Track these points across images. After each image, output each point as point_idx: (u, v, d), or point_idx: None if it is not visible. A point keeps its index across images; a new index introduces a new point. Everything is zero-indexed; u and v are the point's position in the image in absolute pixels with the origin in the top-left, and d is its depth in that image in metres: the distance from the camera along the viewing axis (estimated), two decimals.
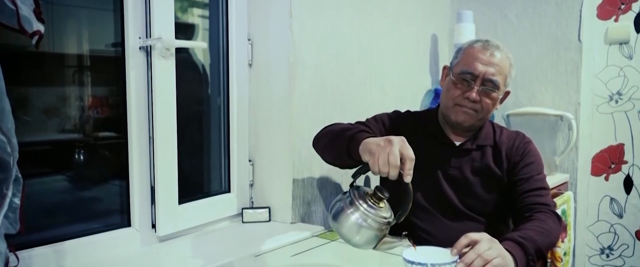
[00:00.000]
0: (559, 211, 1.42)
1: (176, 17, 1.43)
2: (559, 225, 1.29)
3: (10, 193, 0.82)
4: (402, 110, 1.55)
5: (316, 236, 1.49)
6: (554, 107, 2.21)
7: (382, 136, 1.08)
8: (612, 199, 2.25)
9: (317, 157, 1.49)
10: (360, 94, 1.82)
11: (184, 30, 1.54)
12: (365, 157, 1.04)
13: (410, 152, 0.99)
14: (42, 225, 1.21)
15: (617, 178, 2.23)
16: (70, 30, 1.28)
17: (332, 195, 1.69)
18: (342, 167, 1.33)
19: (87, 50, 1.31)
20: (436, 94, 2.16)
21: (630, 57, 2.17)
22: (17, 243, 0.97)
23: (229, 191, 1.64)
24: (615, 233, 2.25)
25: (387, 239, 1.02)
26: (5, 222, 0.82)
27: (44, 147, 1.27)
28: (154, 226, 1.38)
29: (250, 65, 1.65)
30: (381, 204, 1.04)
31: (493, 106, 1.38)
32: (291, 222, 1.59)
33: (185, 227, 1.45)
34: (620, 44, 2.18)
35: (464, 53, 1.38)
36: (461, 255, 1.01)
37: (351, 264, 1.27)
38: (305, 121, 1.60)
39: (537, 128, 2.12)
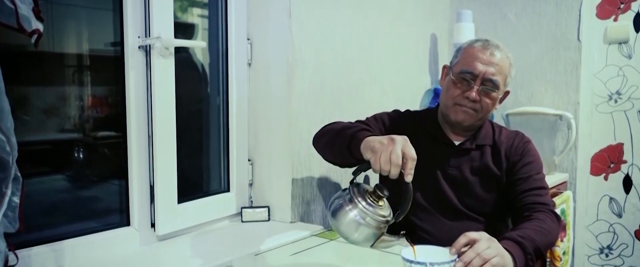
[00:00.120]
0: (558, 211, 1.43)
1: (176, 17, 1.43)
2: (558, 224, 1.29)
3: (9, 192, 0.82)
4: (402, 110, 1.55)
5: (315, 235, 1.49)
6: (553, 106, 2.21)
7: (382, 135, 1.09)
8: (611, 199, 2.25)
9: (317, 157, 1.49)
10: (360, 93, 1.82)
11: (183, 30, 1.54)
12: (367, 155, 1.04)
13: (412, 152, 0.99)
14: (41, 224, 1.21)
15: (617, 178, 2.23)
16: (70, 29, 1.29)
17: (331, 194, 1.69)
18: (341, 165, 1.33)
19: (87, 50, 1.31)
20: (436, 93, 2.16)
21: (630, 57, 2.17)
22: (16, 242, 0.97)
23: (228, 190, 1.64)
24: (614, 233, 2.25)
25: (385, 237, 1.03)
26: (5, 220, 0.82)
27: (44, 147, 1.27)
28: (153, 225, 1.38)
29: (249, 64, 1.65)
30: (380, 203, 1.04)
31: (493, 106, 1.38)
32: (290, 222, 1.59)
33: (185, 227, 1.46)
34: (620, 43, 2.18)
35: (464, 52, 1.38)
36: (460, 254, 1.01)
37: (350, 263, 1.28)
38: (304, 121, 1.60)
39: (536, 128, 2.12)
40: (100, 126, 1.37)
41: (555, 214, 1.31)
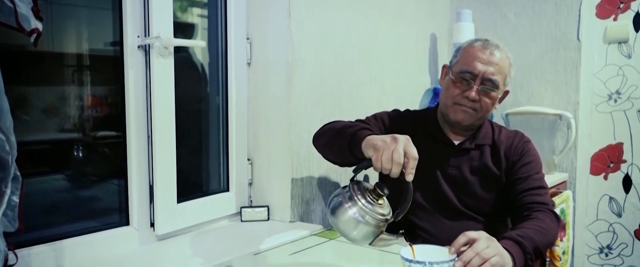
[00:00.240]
0: (557, 210, 1.43)
1: (176, 17, 1.43)
2: (557, 224, 1.29)
3: (8, 191, 0.82)
4: (402, 110, 1.55)
5: (315, 234, 1.49)
6: (553, 106, 2.21)
7: (381, 134, 1.09)
8: (611, 198, 2.25)
9: (316, 157, 1.49)
10: (359, 93, 1.82)
11: (183, 29, 1.54)
12: (369, 153, 1.04)
13: (414, 152, 0.99)
14: (41, 224, 1.21)
15: (616, 177, 2.23)
16: (69, 29, 1.29)
17: (331, 194, 1.69)
18: (341, 165, 1.33)
19: (86, 50, 1.31)
20: (435, 93, 2.16)
21: (629, 56, 2.17)
22: (16, 241, 0.97)
23: (227, 190, 1.64)
24: (614, 232, 2.25)
25: (384, 236, 1.03)
26: (4, 220, 0.82)
27: (43, 147, 1.27)
28: (152, 225, 1.38)
29: (249, 64, 1.65)
30: (380, 201, 1.04)
31: (492, 105, 1.38)
32: (290, 221, 1.59)
33: (184, 226, 1.46)
34: (619, 43, 2.18)
35: (464, 52, 1.38)
36: (459, 253, 1.01)
37: (349, 262, 1.28)
38: (304, 120, 1.60)
39: (536, 127, 2.12)
40: (99, 126, 1.37)
41: (555, 213, 1.31)
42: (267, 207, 1.62)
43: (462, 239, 1.03)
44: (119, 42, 1.33)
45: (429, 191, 1.41)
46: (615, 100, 2.21)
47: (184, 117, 1.48)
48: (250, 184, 1.68)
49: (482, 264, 0.99)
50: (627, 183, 2.22)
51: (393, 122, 1.47)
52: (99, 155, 1.38)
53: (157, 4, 1.33)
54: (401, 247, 1.03)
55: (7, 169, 0.80)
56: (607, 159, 2.25)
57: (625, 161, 2.21)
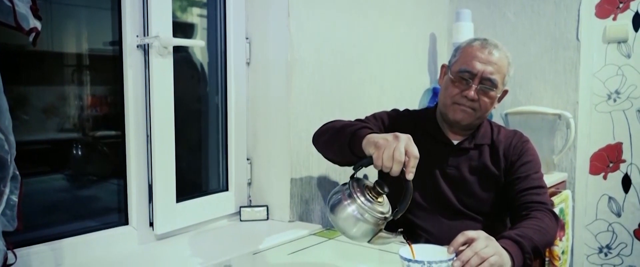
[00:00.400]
0: (557, 210, 1.43)
1: (175, 17, 1.43)
2: (556, 223, 1.30)
3: (7, 190, 0.82)
4: (401, 109, 1.55)
5: (314, 234, 1.49)
6: (552, 106, 2.21)
7: (381, 133, 1.09)
8: (610, 198, 2.25)
9: (315, 156, 1.49)
10: (359, 92, 1.82)
11: (183, 29, 1.54)
12: (370, 150, 1.04)
13: (415, 150, 1.00)
14: (40, 223, 1.22)
15: (616, 177, 2.24)
16: (69, 29, 1.29)
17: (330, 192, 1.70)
18: (341, 164, 1.33)
19: (86, 49, 1.31)
20: (435, 92, 2.16)
21: (629, 56, 2.17)
22: (15, 241, 0.97)
23: (226, 190, 1.64)
24: (613, 232, 2.25)
25: (383, 234, 1.03)
26: (3, 219, 0.82)
27: (43, 146, 1.27)
28: (151, 224, 1.38)
29: (248, 64, 1.65)
30: (380, 199, 1.04)
31: (491, 105, 1.38)
32: (289, 221, 1.59)
33: (183, 226, 1.46)
34: (619, 42, 2.18)
35: (463, 52, 1.38)
36: (458, 253, 1.01)
37: (349, 262, 1.28)
38: (303, 120, 1.60)
39: (535, 127, 2.13)
40: (99, 125, 1.37)
41: (554, 213, 1.31)
42: (266, 206, 1.63)
43: (460, 238, 1.03)
44: (118, 42, 1.33)
45: (428, 191, 1.41)
46: (615, 100, 2.21)
47: (183, 117, 1.48)
48: (249, 183, 1.68)
49: (480, 263, 0.99)
50: (626, 183, 2.22)
51: (392, 121, 1.47)
52: (98, 154, 1.38)
53: (156, 3, 1.33)
54: (400, 246, 1.03)
55: (6, 169, 0.80)
56: (607, 159, 2.25)
57: (624, 161, 2.21)
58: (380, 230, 1.02)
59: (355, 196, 1.01)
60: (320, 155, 1.37)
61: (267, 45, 1.60)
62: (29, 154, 1.20)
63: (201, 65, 1.62)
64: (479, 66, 1.33)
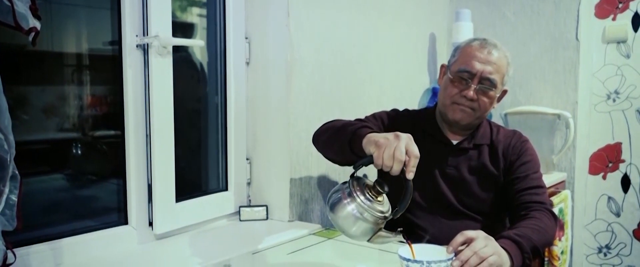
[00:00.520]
0: (556, 210, 1.43)
1: (175, 16, 1.43)
2: (555, 223, 1.30)
3: (7, 190, 0.82)
4: (401, 109, 1.55)
5: (313, 234, 1.49)
6: (551, 106, 2.21)
7: (382, 133, 1.09)
8: (609, 198, 2.26)
9: (315, 156, 1.49)
10: (359, 92, 1.82)
11: (182, 29, 1.54)
12: (371, 149, 1.04)
13: (415, 150, 1.00)
14: (40, 223, 1.22)
15: (615, 177, 2.24)
16: (68, 29, 1.29)
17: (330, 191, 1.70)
18: (341, 163, 1.34)
19: (86, 49, 1.31)
20: (434, 92, 2.16)
21: (628, 56, 2.17)
22: (14, 240, 0.97)
23: (226, 189, 1.64)
24: (612, 232, 2.26)
25: (382, 233, 1.03)
26: (3, 219, 0.83)
27: (43, 146, 1.27)
28: (151, 224, 1.38)
29: (247, 63, 1.65)
30: (379, 198, 1.04)
31: (490, 105, 1.38)
32: (289, 220, 1.59)
33: (183, 225, 1.46)
34: (618, 42, 2.19)
35: (462, 51, 1.38)
36: (457, 253, 1.01)
37: (348, 261, 1.28)
38: (303, 120, 1.60)
39: (534, 127, 2.13)
40: (98, 125, 1.37)
41: (552, 212, 1.31)
42: (266, 206, 1.63)
43: (459, 238, 1.03)
44: (117, 42, 1.33)
45: (427, 191, 1.41)
46: (614, 100, 2.21)
47: (183, 117, 1.48)
48: (248, 183, 1.68)
49: (479, 263, 0.99)
50: (625, 183, 2.22)
51: (392, 121, 1.47)
52: (97, 154, 1.38)
53: (155, 3, 1.33)
54: (399, 246, 1.04)
55: (6, 168, 0.80)
56: (606, 159, 2.25)
57: (623, 161, 2.21)
58: (380, 229, 1.02)
59: (355, 194, 1.01)
60: (319, 155, 1.37)
61: (266, 45, 1.61)
62: (29, 153, 1.20)
63: (201, 65, 1.62)
64: (478, 66, 1.33)
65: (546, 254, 1.86)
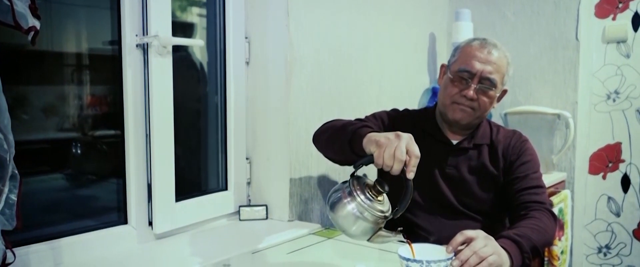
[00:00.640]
0: (556, 210, 1.43)
1: (174, 16, 1.43)
2: (555, 223, 1.30)
3: (6, 189, 0.82)
4: (400, 109, 1.55)
5: (313, 233, 1.49)
6: (551, 105, 2.21)
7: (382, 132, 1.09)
8: (609, 198, 2.26)
9: (315, 155, 1.49)
10: (358, 92, 1.82)
11: (182, 28, 1.54)
12: (371, 149, 1.04)
13: (416, 150, 1.00)
14: (39, 222, 1.21)
15: (615, 177, 2.24)
16: (68, 28, 1.29)
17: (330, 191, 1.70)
18: (341, 163, 1.34)
19: (85, 49, 1.31)
20: (434, 92, 2.16)
21: (628, 56, 2.17)
22: (14, 240, 0.97)
23: (226, 189, 1.64)
24: (612, 232, 2.26)
25: (382, 232, 1.03)
26: (2, 218, 0.83)
27: (42, 146, 1.27)
28: (150, 224, 1.38)
29: (247, 63, 1.65)
30: (379, 198, 1.04)
31: (490, 104, 1.38)
32: (288, 220, 1.59)
33: (182, 225, 1.46)
34: (618, 42, 2.19)
35: (462, 51, 1.38)
36: (457, 252, 1.01)
37: (348, 261, 1.28)
38: (302, 119, 1.60)
39: (534, 127, 2.13)
40: (98, 125, 1.37)
41: (552, 212, 1.31)
42: (266, 206, 1.63)
43: (459, 238, 1.03)
44: (117, 41, 1.33)
45: (427, 190, 1.41)
46: (614, 100, 2.21)
47: (183, 116, 1.48)
48: (248, 183, 1.68)
49: (479, 262, 0.99)
50: (625, 183, 2.22)
51: (392, 121, 1.47)
52: (97, 154, 1.38)
53: (155, 3, 1.33)
54: (399, 246, 1.04)
55: (5, 168, 0.80)
56: (606, 159, 2.25)
57: (623, 161, 2.21)
58: (380, 228, 1.02)
59: (355, 194, 1.01)
60: (319, 154, 1.37)
61: (266, 45, 1.61)
62: (29, 153, 1.20)
63: (200, 64, 1.62)
64: (478, 66, 1.33)
65: (546, 254, 1.86)
